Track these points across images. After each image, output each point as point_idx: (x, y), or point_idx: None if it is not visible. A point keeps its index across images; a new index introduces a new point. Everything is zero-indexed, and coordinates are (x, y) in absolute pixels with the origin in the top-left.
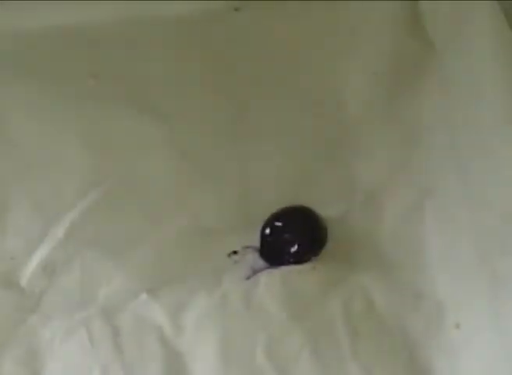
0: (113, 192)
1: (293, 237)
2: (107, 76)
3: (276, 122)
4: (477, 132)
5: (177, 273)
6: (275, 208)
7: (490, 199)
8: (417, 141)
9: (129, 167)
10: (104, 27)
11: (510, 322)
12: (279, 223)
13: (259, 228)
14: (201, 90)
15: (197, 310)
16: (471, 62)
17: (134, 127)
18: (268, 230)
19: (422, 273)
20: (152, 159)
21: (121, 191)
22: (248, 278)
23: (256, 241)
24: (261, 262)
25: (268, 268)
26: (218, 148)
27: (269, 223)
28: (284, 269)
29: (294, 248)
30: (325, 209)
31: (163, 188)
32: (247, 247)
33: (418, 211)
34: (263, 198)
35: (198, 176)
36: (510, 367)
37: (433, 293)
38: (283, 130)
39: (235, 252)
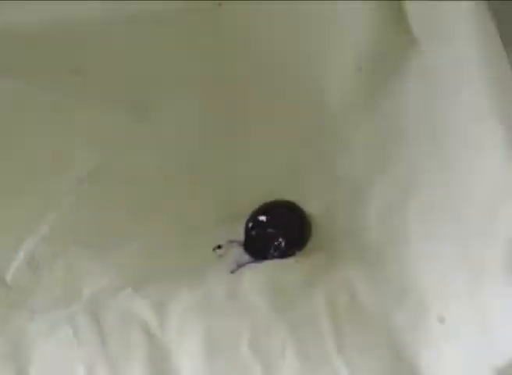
0: (98, 189)
1: (278, 231)
2: (91, 74)
3: (261, 119)
4: (459, 127)
5: (162, 268)
6: (259, 203)
7: (473, 194)
8: (401, 136)
9: (114, 164)
10: (89, 24)
11: (493, 315)
12: (263, 218)
13: (243, 223)
14: (187, 88)
15: (182, 304)
16: (454, 58)
17: (120, 126)
18: (252, 225)
19: (406, 267)
20: (138, 157)
21: (106, 188)
22: (233, 272)
23: (240, 236)
24: (245, 257)
25: (252, 262)
26: (204, 145)
27: (253, 217)
28: (268, 263)
29: (278, 243)
30: (309, 204)
31: (148, 185)
32: (232, 241)
33: (401, 206)
34: (247, 193)
35: (183, 171)
36: (494, 360)
37: (417, 287)
38: (268, 127)
39: (219, 247)
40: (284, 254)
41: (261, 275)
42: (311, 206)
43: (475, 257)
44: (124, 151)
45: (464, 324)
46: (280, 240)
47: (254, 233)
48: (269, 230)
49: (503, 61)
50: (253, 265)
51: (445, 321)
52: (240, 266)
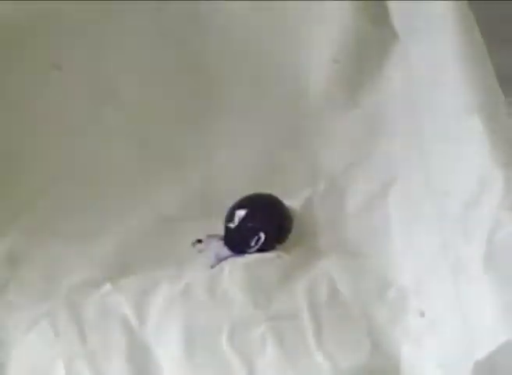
0: (75, 182)
1: (258, 225)
2: (69, 66)
3: (239, 111)
4: (439, 120)
5: (141, 263)
6: (238, 196)
7: (452, 187)
8: (380, 128)
9: (90, 156)
10: (68, 16)
11: (473, 309)
12: (243, 212)
13: (223, 217)
14: (164, 78)
15: (161, 299)
16: (434, 51)
17: (96, 117)
18: (232, 219)
19: (386, 260)
20: (114, 148)
21: (83, 181)
22: (213, 266)
23: (220, 230)
24: (225, 251)
25: (232, 256)
26: (182, 136)
27: (233, 211)
28: (248, 257)
29: (258, 237)
30: (289, 197)
31: (125, 177)
32: (212, 235)
33: (381, 198)
34: (226, 186)
35: (161, 164)
36: (473, 353)
37: (397, 280)
38: (246, 118)
39: (199, 241)
40: (264, 248)
41: (241, 269)
42: (290, 199)
43: (455, 250)
44: (100, 143)
45: (444, 318)
46: (260, 234)
47: (234, 227)
48: (249, 224)
49: (482, 54)
50: (233, 259)
51: (425, 314)
52: (220, 260)
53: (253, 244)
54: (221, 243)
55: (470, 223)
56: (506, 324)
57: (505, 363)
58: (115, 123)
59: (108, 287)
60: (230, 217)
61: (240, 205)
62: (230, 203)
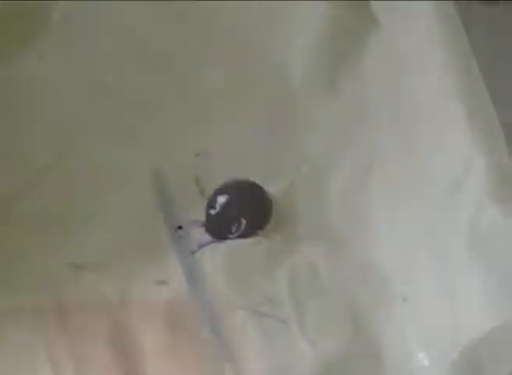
0: (60, 168)
1: (239, 211)
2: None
3: (221, 97)
4: (422, 104)
5: (123, 249)
6: (220, 182)
7: (434, 173)
8: (362, 115)
9: (72, 145)
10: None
11: (457, 293)
12: (224, 198)
13: (204, 202)
14: (139, 65)
15: (144, 285)
16: (414, 35)
17: (81, 104)
18: (213, 205)
19: (369, 246)
20: (97, 134)
21: (68, 167)
22: (194, 253)
23: (202, 216)
24: (206, 237)
25: (213, 242)
26: (162, 123)
27: (214, 197)
28: (230, 243)
29: (239, 223)
30: (270, 182)
31: (108, 163)
32: (193, 222)
33: (364, 185)
34: (208, 172)
35: (144, 150)
36: (458, 340)
37: (380, 266)
38: (229, 104)
39: (180, 227)
40: (245, 234)
41: (222, 255)
42: (272, 185)
43: (439, 237)
44: (84, 130)
45: (428, 304)
46: (241, 220)
47: (215, 213)
48: (230, 209)
49: (463, 40)
50: (214, 245)
51: (408, 300)
52: (201, 246)
53: (234, 230)
54: (202, 229)
55: (453, 209)
56: (492, 311)
57: (490, 350)
58: (98, 109)
59: (90, 272)
60: (211, 203)
61: (221, 192)
62: (212, 189)
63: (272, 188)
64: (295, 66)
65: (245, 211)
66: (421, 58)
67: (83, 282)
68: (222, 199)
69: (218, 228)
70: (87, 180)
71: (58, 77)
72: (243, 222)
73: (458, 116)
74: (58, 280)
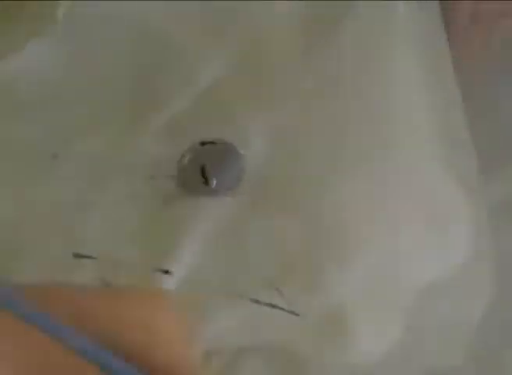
0: (60, 158)
1: (211, 168)
2: None
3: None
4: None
5: (124, 238)
6: (193, 140)
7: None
8: (331, 91)
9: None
10: None
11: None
12: (197, 154)
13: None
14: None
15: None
16: (389, 21)
17: (80, 103)
18: (186, 160)
19: (333, 206)
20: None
21: (66, 157)
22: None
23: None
24: (179, 191)
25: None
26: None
27: (188, 153)
28: (202, 198)
29: (211, 181)
30: (245, 147)
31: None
32: (166, 176)
33: (333, 156)
34: (183, 131)
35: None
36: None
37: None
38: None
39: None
40: (217, 192)
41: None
42: (246, 149)
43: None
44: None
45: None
46: (213, 178)
47: (188, 168)
48: (203, 166)
49: (440, 34)
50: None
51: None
52: (172, 200)
53: (206, 187)
54: (173, 183)
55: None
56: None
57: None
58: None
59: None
60: (184, 159)
61: (194, 149)
62: (187, 146)
63: (246, 152)
64: (270, 39)
65: (217, 169)
66: (393, 45)
67: (84, 271)
68: (195, 156)
69: (191, 183)
70: (86, 173)
71: (59, 74)
72: (215, 180)
73: (428, 114)
74: (59, 269)
